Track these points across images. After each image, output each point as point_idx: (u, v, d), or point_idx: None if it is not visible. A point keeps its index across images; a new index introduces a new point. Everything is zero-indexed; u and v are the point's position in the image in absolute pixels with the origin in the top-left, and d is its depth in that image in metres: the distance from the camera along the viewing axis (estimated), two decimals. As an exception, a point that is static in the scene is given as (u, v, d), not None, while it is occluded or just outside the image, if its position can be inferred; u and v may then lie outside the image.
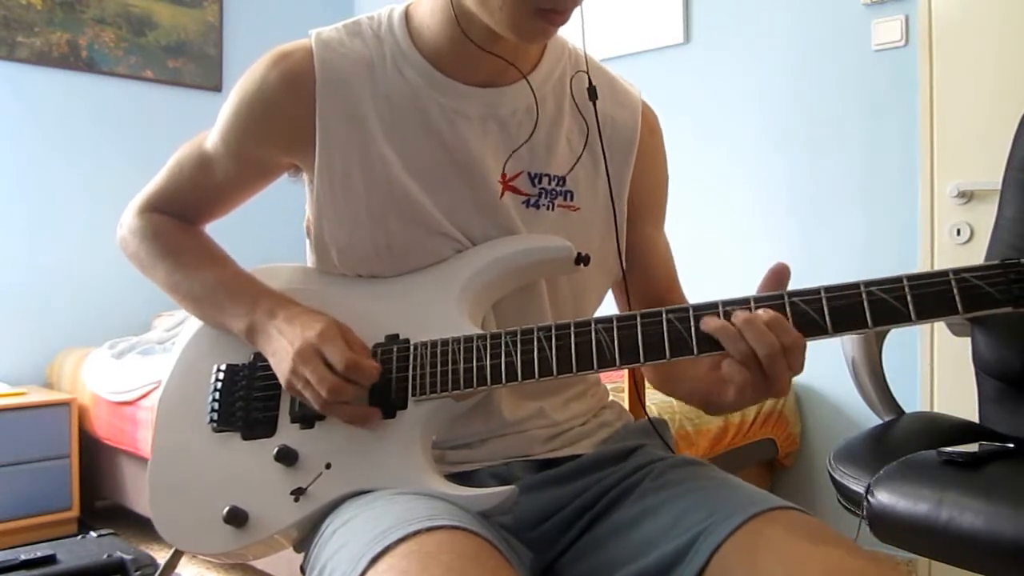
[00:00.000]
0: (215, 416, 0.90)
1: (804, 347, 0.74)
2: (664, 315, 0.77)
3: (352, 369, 0.82)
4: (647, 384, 1.07)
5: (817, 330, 0.73)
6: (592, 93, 0.92)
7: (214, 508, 0.86)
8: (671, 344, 0.76)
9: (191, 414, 0.93)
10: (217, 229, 1.05)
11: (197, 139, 0.99)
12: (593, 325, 0.79)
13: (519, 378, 0.80)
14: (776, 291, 0.76)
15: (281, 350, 0.86)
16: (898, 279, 0.72)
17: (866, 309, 0.72)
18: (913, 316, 0.71)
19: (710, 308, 0.76)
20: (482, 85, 0.90)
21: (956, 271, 0.71)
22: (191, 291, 0.96)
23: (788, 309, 0.74)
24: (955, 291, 0.70)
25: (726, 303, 0.76)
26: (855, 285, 0.73)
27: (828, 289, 0.74)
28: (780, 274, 0.77)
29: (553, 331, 0.80)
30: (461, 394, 0.83)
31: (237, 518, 0.85)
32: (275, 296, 0.92)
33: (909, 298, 0.71)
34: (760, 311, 0.73)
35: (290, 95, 0.90)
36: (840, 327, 0.73)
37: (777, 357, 0.72)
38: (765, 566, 0.70)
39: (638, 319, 0.78)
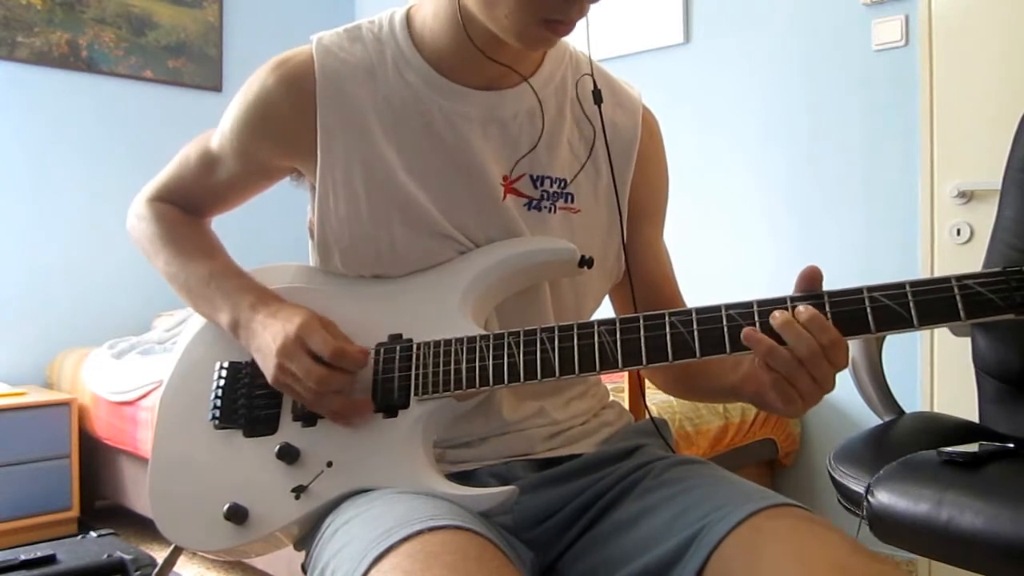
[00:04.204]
0: (217, 414, 0.90)
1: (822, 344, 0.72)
2: (667, 317, 0.77)
3: (338, 356, 0.82)
4: (647, 384, 1.07)
5: None
6: (597, 97, 0.92)
7: (215, 505, 0.86)
8: (674, 347, 0.76)
9: (193, 411, 0.93)
10: (220, 228, 1.06)
11: (206, 135, 1.00)
12: (596, 327, 0.79)
13: (521, 378, 0.80)
14: (808, 292, 0.75)
15: (265, 347, 0.86)
16: (900, 285, 0.72)
17: (869, 315, 0.72)
18: (916, 322, 0.71)
19: (712, 311, 0.76)
20: (484, 88, 0.90)
21: (959, 277, 0.70)
22: (186, 282, 0.97)
23: (792, 315, 0.73)
24: (957, 298, 0.70)
25: (728, 307, 0.76)
26: (858, 290, 0.73)
27: (831, 294, 0.74)
28: (812, 278, 0.75)
29: (556, 332, 0.80)
30: (463, 394, 0.83)
31: (237, 515, 0.85)
32: (258, 291, 0.92)
33: (912, 304, 0.71)
34: (798, 308, 0.72)
35: (290, 100, 0.90)
36: (843, 332, 0.73)
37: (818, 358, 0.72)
38: (766, 563, 0.69)
39: (641, 321, 0.78)
